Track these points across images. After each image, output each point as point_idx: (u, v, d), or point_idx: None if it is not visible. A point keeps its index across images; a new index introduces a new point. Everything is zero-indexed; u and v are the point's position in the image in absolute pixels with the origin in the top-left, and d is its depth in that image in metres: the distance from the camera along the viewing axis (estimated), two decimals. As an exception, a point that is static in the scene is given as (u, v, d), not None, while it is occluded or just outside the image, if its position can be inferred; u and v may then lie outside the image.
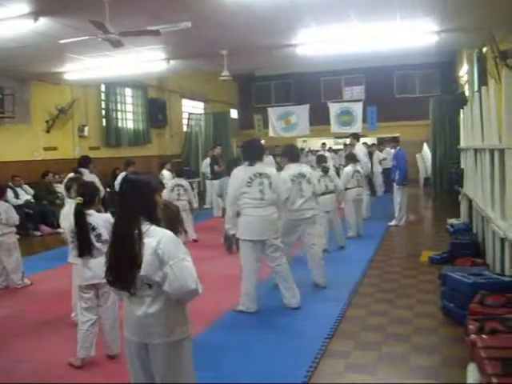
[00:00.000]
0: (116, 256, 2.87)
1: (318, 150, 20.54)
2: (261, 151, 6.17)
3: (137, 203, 2.89)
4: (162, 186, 9.63)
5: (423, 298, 6.25)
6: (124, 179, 3.09)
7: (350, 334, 5.15)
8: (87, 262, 4.56)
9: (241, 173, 5.88)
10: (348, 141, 14.24)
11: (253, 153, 5.99)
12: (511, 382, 2.93)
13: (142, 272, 2.76)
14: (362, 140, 19.61)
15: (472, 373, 3.43)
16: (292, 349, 4.83)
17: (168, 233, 2.86)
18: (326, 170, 8.98)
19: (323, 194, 8.75)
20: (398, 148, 11.98)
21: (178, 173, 10.62)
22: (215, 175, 13.54)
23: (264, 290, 6.46)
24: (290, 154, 6.99)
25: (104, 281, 4.54)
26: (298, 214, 6.56)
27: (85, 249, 4.50)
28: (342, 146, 21.06)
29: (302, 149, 23.03)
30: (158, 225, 2.90)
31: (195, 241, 10.08)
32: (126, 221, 2.87)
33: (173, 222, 3.21)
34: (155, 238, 2.80)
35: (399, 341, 4.92)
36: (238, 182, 5.82)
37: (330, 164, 11.86)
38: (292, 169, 6.75)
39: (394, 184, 11.65)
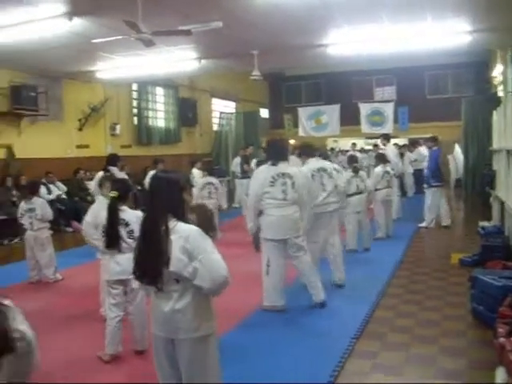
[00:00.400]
0: (143, 251, 2.94)
1: (347, 150, 20.46)
2: (285, 151, 6.16)
3: (165, 200, 2.94)
4: (190, 184, 9.77)
5: (452, 300, 6.19)
6: (153, 177, 3.17)
7: (377, 335, 5.13)
8: (116, 258, 4.64)
9: (263, 173, 5.89)
10: (378, 141, 14.16)
11: (276, 152, 5.99)
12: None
13: (171, 268, 2.80)
14: (393, 141, 19.52)
15: (500, 376, 3.40)
16: (318, 348, 4.83)
17: (195, 228, 2.91)
18: (356, 171, 9.02)
19: (354, 194, 8.78)
20: (436, 148, 11.46)
21: (209, 171, 10.73)
22: (245, 174, 13.60)
23: (291, 290, 6.48)
24: (305, 150, 7.07)
25: (132, 277, 4.64)
26: (321, 208, 6.55)
27: (113, 242, 4.58)
28: (372, 147, 20.91)
29: (333, 149, 22.95)
30: (186, 222, 2.94)
31: None
32: (153, 217, 2.93)
33: (205, 225, 3.25)
34: (183, 234, 2.85)
35: (427, 343, 4.89)
36: (259, 182, 5.82)
37: (363, 164, 11.82)
38: (312, 163, 6.80)
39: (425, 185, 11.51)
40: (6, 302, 2.65)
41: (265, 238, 5.89)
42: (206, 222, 3.28)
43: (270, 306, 5.87)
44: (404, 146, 19.36)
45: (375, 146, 17.37)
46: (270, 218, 5.80)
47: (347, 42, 10.35)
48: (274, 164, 5.86)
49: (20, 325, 2.55)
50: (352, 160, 9.36)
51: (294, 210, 5.84)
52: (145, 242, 2.94)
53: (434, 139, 11.65)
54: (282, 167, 5.86)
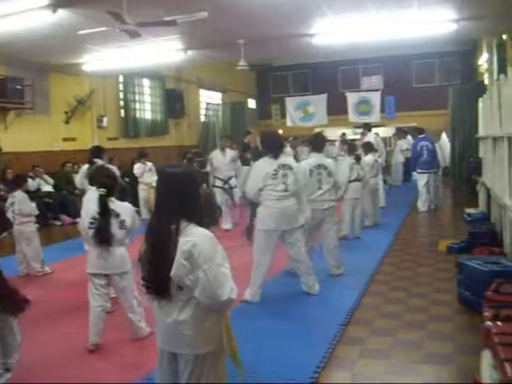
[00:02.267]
0: (151, 257, 2.66)
1: (335, 140, 20.50)
2: (282, 142, 6.23)
3: (178, 199, 2.65)
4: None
5: (440, 286, 6.24)
6: (163, 172, 2.79)
7: (365, 321, 5.17)
8: (103, 251, 4.63)
9: (265, 166, 5.86)
10: (348, 131, 14.74)
11: (275, 145, 5.99)
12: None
13: (172, 272, 2.55)
14: (379, 130, 19.59)
15: (486, 359, 3.44)
16: (308, 336, 4.86)
17: (207, 234, 2.63)
18: (358, 159, 9.30)
19: (354, 180, 9.00)
20: (421, 136, 12.54)
21: (191, 162, 10.89)
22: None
23: (280, 278, 6.52)
24: (314, 143, 7.01)
25: (117, 271, 4.64)
26: (314, 205, 6.51)
27: (105, 237, 4.58)
28: (359, 136, 21.03)
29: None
30: (199, 222, 2.68)
31: None
32: (164, 218, 2.64)
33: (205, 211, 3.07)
34: (191, 238, 2.57)
35: (414, 328, 4.94)
36: (261, 175, 5.80)
37: (333, 154, 12.45)
38: (313, 158, 6.76)
39: None
40: None
41: (262, 229, 5.87)
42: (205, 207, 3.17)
43: (250, 300, 5.86)
44: (394, 134, 19.52)
45: (343, 134, 17.66)
46: (270, 209, 5.80)
47: (332, 31, 10.33)
48: (275, 157, 5.86)
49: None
50: (353, 148, 9.62)
51: (293, 202, 5.85)
52: (153, 247, 2.65)
53: (417, 130, 12.93)
54: (283, 159, 5.90)
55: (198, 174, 2.99)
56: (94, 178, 5.13)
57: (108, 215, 4.57)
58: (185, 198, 2.67)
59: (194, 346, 2.65)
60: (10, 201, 7.48)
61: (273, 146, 5.97)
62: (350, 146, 9.78)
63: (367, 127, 14.05)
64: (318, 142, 6.99)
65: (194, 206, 2.69)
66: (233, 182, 10.57)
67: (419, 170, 12.18)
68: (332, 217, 6.82)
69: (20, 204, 7.44)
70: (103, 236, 4.58)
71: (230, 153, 10.82)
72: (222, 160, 10.68)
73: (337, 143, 17.58)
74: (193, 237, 2.57)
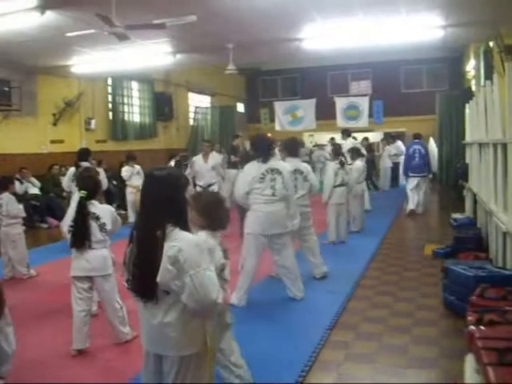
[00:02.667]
0: (137, 261, 2.66)
1: (325, 144, 20.57)
2: (272, 146, 6.21)
3: (163, 203, 2.63)
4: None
5: (425, 291, 6.27)
6: (148, 175, 2.80)
7: (351, 326, 5.19)
8: (85, 254, 4.63)
9: (253, 170, 5.86)
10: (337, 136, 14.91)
11: (265, 148, 5.98)
12: (506, 372, 2.96)
13: (158, 278, 2.54)
14: (368, 135, 19.70)
15: (469, 363, 3.46)
16: (293, 339, 4.87)
17: (193, 239, 2.64)
18: (342, 164, 9.22)
19: (338, 185, 8.97)
20: (416, 141, 12.76)
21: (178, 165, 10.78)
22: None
23: (264, 283, 6.53)
24: (289, 148, 7.02)
25: (99, 274, 4.63)
26: None
27: (83, 240, 4.58)
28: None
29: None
30: (185, 226, 2.68)
31: None
32: (149, 222, 2.63)
33: (210, 216, 3.09)
34: (177, 242, 2.56)
35: (400, 332, 4.96)
36: (249, 179, 5.81)
37: (320, 159, 12.46)
38: (289, 164, 6.71)
39: None
40: None
41: (250, 233, 5.88)
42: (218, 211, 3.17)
43: (236, 304, 5.83)
44: (383, 139, 19.61)
45: (332, 139, 17.75)
46: (257, 213, 5.81)
47: (321, 36, 10.36)
48: (264, 161, 5.85)
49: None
50: (337, 153, 9.54)
51: (282, 207, 5.85)
52: (138, 251, 2.65)
53: (415, 135, 13.03)
54: (272, 163, 5.90)
55: (185, 177, 2.89)
56: (78, 181, 5.15)
57: (85, 218, 4.57)
58: (171, 201, 2.65)
59: (179, 348, 2.66)
60: None
61: (262, 149, 5.97)
62: (335, 150, 9.75)
63: (346, 133, 14.24)
64: (292, 147, 7.02)
65: (180, 209, 2.68)
66: (212, 189, 10.03)
67: (410, 174, 12.34)
68: (308, 220, 6.84)
69: (7, 205, 7.39)
70: (80, 239, 4.59)
71: (216, 158, 10.55)
72: (203, 165, 10.26)
73: (327, 148, 17.73)
74: (178, 242, 2.56)
